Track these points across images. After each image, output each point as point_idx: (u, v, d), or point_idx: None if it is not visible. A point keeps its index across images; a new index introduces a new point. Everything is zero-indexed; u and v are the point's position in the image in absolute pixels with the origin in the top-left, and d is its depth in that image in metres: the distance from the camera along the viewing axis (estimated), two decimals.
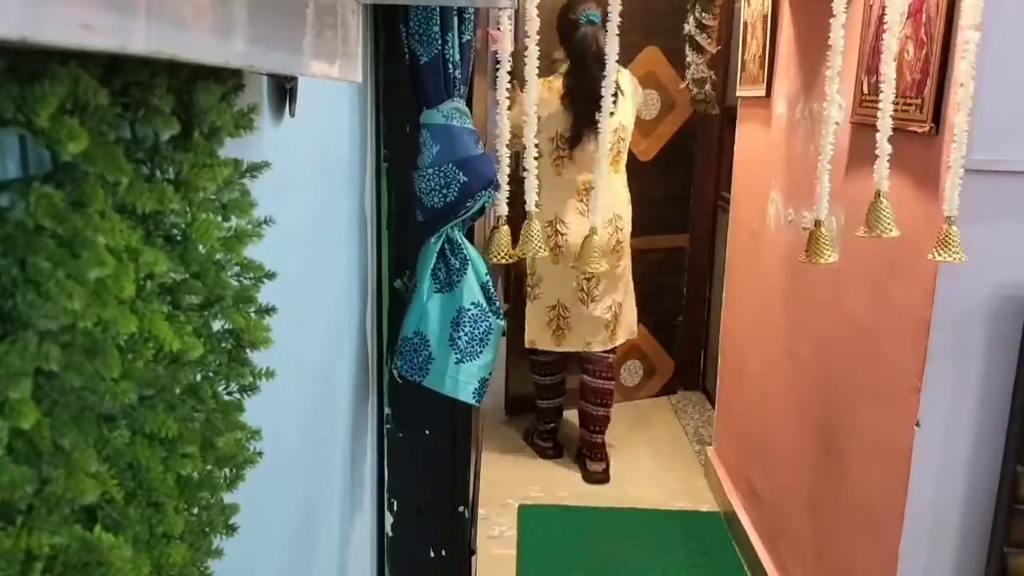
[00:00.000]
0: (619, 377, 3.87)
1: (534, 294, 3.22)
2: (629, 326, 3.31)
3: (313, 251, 1.10)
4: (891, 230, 1.43)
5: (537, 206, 1.39)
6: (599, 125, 1.36)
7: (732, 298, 3.08)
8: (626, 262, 3.21)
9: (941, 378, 1.58)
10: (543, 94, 2.88)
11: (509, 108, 1.33)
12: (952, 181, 1.39)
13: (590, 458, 3.27)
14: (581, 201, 3.06)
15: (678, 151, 3.87)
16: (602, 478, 3.23)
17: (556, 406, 3.41)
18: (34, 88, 0.38)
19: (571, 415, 3.75)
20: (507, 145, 1.34)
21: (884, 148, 1.42)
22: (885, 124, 1.40)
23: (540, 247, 1.34)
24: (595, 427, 3.25)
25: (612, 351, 3.28)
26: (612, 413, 3.31)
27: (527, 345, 3.25)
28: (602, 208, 3.05)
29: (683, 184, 3.92)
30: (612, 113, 2.90)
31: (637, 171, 3.71)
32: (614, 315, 3.21)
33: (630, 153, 3.27)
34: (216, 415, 0.58)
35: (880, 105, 1.41)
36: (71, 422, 0.42)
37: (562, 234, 3.05)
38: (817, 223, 1.45)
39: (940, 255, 1.40)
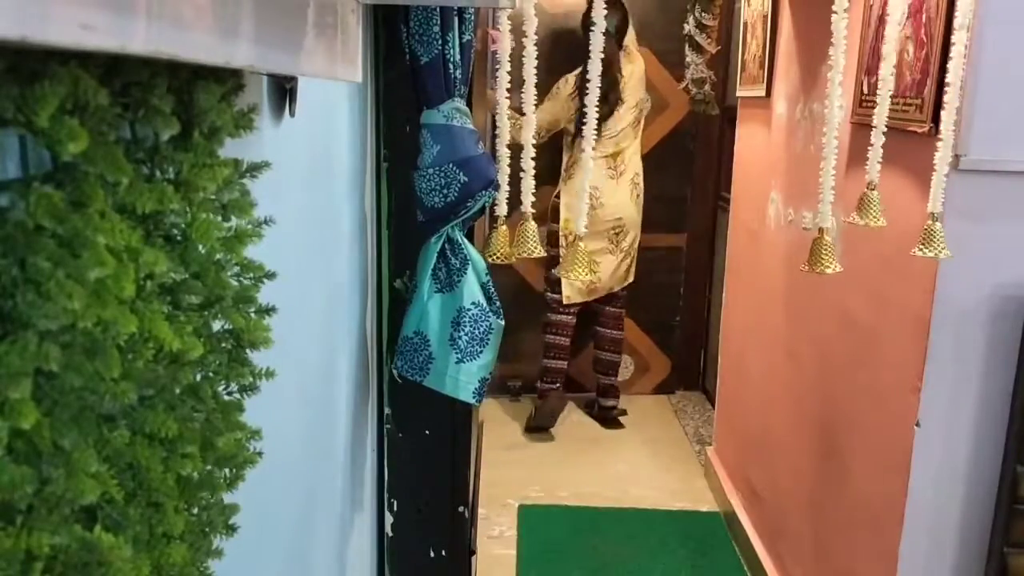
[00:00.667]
0: None
1: None
2: (634, 269, 3.64)
3: (313, 251, 1.10)
4: (878, 220, 1.45)
5: (533, 206, 1.39)
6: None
7: (732, 298, 3.08)
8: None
9: (941, 378, 1.58)
10: (568, 88, 3.37)
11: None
12: (938, 178, 1.39)
13: (604, 396, 3.70)
14: (610, 168, 3.45)
15: (672, 151, 3.88)
16: (616, 415, 3.69)
17: (561, 367, 3.60)
18: (34, 88, 0.38)
19: (571, 415, 3.76)
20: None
21: (878, 141, 1.42)
22: (881, 115, 1.40)
23: (536, 247, 1.34)
24: (609, 371, 3.70)
25: (623, 308, 3.68)
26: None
27: (564, 301, 3.52)
28: (629, 169, 3.48)
29: (679, 184, 3.92)
30: (621, 101, 3.37)
31: None
32: (630, 257, 3.56)
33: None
34: (216, 415, 0.58)
35: (878, 98, 1.41)
36: (71, 422, 0.42)
37: (597, 198, 3.42)
38: (821, 231, 1.43)
39: (923, 251, 1.41)
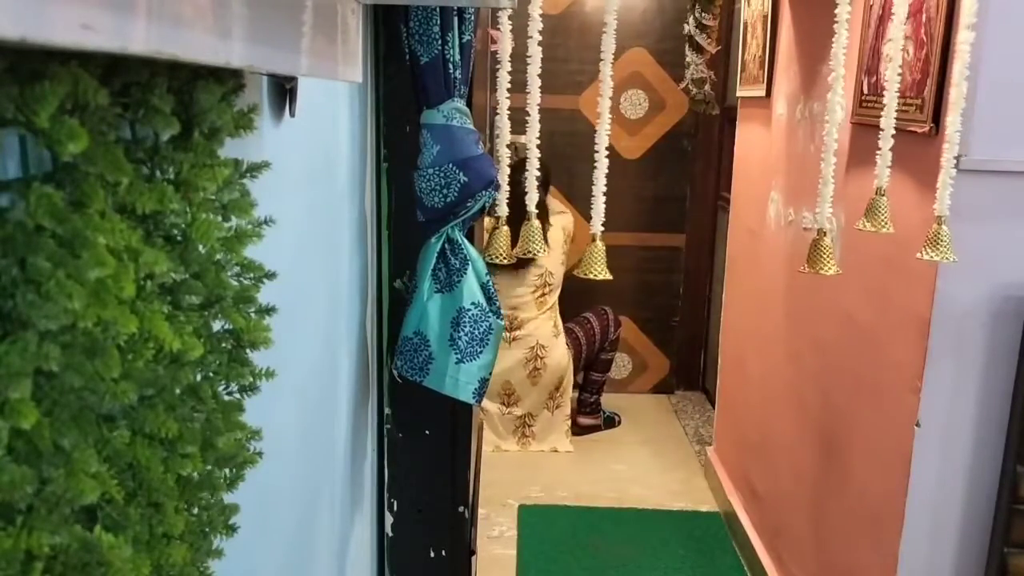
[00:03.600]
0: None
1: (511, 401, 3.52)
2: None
3: (313, 251, 1.10)
4: (886, 226, 1.44)
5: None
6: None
7: (732, 298, 3.08)
8: (546, 381, 3.44)
9: (941, 378, 1.58)
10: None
11: None
12: (943, 181, 1.39)
13: (582, 414, 3.68)
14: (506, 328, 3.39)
15: (670, 151, 3.89)
16: (587, 431, 3.65)
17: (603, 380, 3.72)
18: (34, 88, 0.38)
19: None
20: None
21: (886, 145, 1.42)
22: (889, 117, 1.40)
23: (540, 247, 1.34)
24: (592, 389, 3.73)
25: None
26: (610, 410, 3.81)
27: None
28: (526, 337, 3.40)
29: (677, 184, 3.93)
30: (534, 260, 3.31)
31: (622, 170, 3.84)
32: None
33: (613, 150, 3.48)
34: (216, 415, 0.57)
35: (885, 99, 1.40)
36: (71, 422, 0.42)
37: (541, 357, 3.38)
38: (820, 232, 1.43)
39: (929, 254, 1.40)
